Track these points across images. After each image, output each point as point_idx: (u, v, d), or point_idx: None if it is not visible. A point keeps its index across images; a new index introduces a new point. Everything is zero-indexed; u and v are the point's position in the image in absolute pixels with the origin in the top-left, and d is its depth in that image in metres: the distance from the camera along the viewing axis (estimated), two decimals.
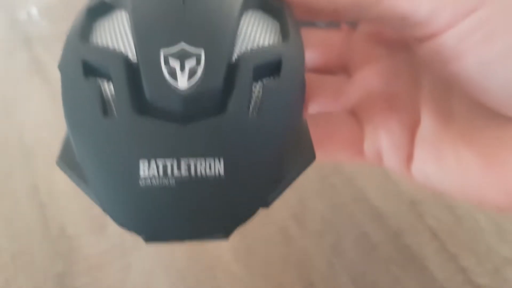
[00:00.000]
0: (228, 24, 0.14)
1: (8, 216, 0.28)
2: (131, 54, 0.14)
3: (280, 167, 0.14)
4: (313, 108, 0.20)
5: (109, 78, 0.13)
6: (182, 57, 0.13)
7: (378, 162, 0.18)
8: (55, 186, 0.29)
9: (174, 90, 0.13)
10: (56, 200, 0.28)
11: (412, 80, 0.18)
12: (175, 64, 0.13)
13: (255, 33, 0.15)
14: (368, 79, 0.19)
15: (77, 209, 0.28)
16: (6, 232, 0.27)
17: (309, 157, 0.15)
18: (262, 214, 0.30)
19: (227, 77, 0.13)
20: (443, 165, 0.16)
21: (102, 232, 0.27)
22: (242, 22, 0.14)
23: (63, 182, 0.28)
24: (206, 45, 0.13)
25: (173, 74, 0.13)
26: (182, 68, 0.13)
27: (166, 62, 0.13)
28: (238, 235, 0.28)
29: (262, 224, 0.28)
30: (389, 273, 0.26)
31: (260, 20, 0.15)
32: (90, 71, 0.13)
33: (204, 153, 0.13)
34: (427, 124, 0.17)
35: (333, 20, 0.17)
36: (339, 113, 0.19)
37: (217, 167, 0.13)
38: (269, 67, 0.14)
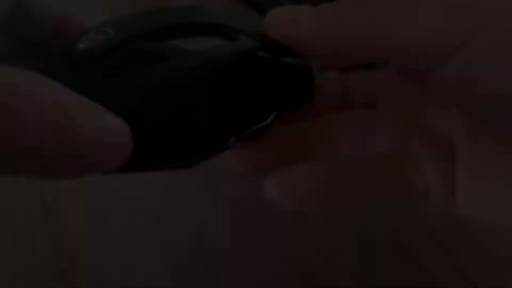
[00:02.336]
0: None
1: (11, 214, 0.28)
2: None
3: None
4: (347, 150, 0.19)
5: None
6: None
7: (423, 197, 0.18)
8: (58, 185, 0.29)
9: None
10: (59, 199, 0.28)
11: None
12: None
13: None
14: (396, 111, 0.19)
15: (80, 208, 0.28)
16: (9, 231, 0.27)
17: None
18: (262, 213, 0.30)
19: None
20: (491, 187, 0.16)
21: (105, 231, 0.27)
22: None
23: (66, 181, 0.28)
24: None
25: None
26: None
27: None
28: (239, 233, 0.28)
29: (263, 221, 0.28)
30: (387, 271, 0.26)
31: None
32: None
33: None
34: (464, 149, 0.16)
35: (338, 63, 0.18)
36: (375, 154, 0.19)
37: None
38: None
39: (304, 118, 0.19)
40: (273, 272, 0.26)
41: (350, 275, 0.26)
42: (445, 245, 0.28)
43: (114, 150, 0.13)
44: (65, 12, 0.19)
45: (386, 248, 0.27)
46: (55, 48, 0.19)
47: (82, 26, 0.19)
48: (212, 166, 0.17)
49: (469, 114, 0.16)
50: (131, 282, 0.25)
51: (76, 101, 0.13)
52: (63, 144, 0.12)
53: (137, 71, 0.15)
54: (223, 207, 0.29)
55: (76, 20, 0.19)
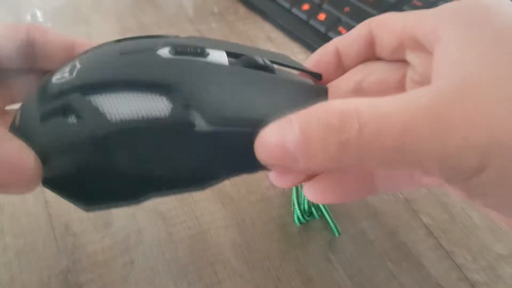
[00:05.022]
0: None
1: (12, 213, 0.28)
2: None
3: None
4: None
5: None
6: None
7: (438, 185, 0.19)
8: None
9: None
10: (60, 198, 0.28)
11: None
12: None
13: None
14: None
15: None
16: (11, 230, 0.27)
17: None
18: (262, 212, 0.30)
19: None
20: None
21: (106, 230, 0.27)
22: None
23: None
24: None
25: None
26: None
27: None
28: (238, 232, 0.29)
29: (262, 221, 0.28)
30: (385, 270, 0.26)
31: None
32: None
33: None
34: None
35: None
36: None
37: None
38: None
39: None
40: (272, 269, 0.26)
41: (348, 273, 0.26)
42: (442, 243, 0.28)
43: (15, 177, 0.16)
44: (73, 40, 0.21)
45: (383, 246, 0.28)
46: None
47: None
48: None
49: None
50: (132, 280, 0.26)
51: None
52: None
53: (59, 123, 0.16)
54: (223, 206, 0.29)
55: (86, 45, 0.21)
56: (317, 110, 0.15)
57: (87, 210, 0.17)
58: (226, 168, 0.18)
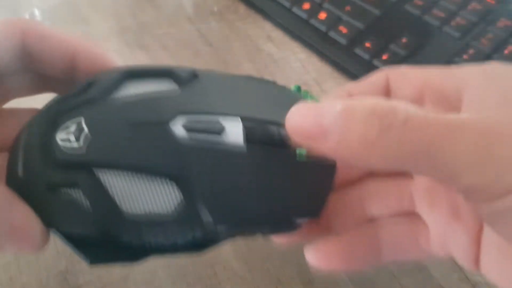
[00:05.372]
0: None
1: None
2: None
3: None
4: (378, 210, 0.21)
5: None
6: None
7: (446, 257, 0.19)
8: None
9: None
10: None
11: None
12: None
13: None
14: (429, 182, 0.19)
15: None
16: None
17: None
18: None
19: None
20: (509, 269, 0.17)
21: None
22: None
23: None
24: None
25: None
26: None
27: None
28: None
29: None
30: (386, 270, 0.26)
31: None
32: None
33: None
34: (490, 230, 0.17)
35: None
36: (403, 217, 0.20)
37: None
38: None
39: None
40: (272, 271, 0.26)
41: (349, 274, 0.26)
42: None
43: (22, 246, 0.16)
44: (74, 48, 0.19)
45: None
46: (75, 79, 0.20)
47: (94, 58, 0.20)
48: None
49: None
50: (131, 281, 0.26)
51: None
52: None
53: (68, 202, 0.16)
54: None
55: (88, 53, 0.19)
56: (364, 99, 0.14)
57: (90, 265, 0.17)
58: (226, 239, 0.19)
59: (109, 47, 0.40)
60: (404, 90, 0.19)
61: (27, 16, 0.44)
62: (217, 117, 0.17)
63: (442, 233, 0.19)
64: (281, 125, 0.17)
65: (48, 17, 0.44)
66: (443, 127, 0.14)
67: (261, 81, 0.21)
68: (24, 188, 0.17)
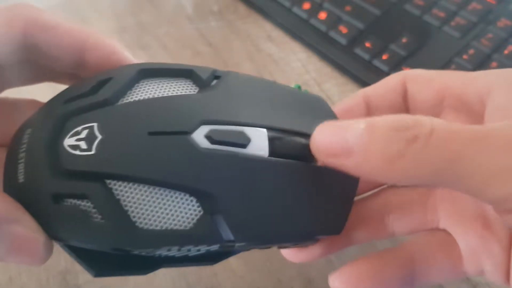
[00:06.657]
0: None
1: None
2: None
3: None
4: (401, 225, 0.20)
5: None
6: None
7: (479, 275, 0.19)
8: None
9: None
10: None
11: None
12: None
13: None
14: (454, 193, 0.19)
15: None
16: None
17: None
18: None
19: None
20: None
21: None
22: None
23: None
24: None
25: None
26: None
27: None
28: None
29: None
30: None
31: None
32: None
33: None
34: None
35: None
36: (431, 234, 0.20)
37: None
38: None
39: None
40: (272, 271, 0.26)
41: None
42: None
43: (26, 260, 0.15)
44: (84, 41, 0.18)
45: (385, 247, 0.27)
46: (80, 73, 0.19)
47: (106, 53, 0.18)
48: None
49: None
50: (131, 281, 0.26)
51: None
52: None
53: (77, 215, 0.15)
54: None
55: (100, 47, 0.18)
56: (387, 116, 0.15)
57: (96, 277, 0.17)
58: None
59: None
60: (423, 94, 0.19)
61: None
62: (242, 128, 0.16)
63: (475, 246, 0.18)
64: (306, 135, 0.17)
65: None
66: (468, 137, 0.14)
67: (281, 85, 0.20)
68: (25, 196, 0.15)
